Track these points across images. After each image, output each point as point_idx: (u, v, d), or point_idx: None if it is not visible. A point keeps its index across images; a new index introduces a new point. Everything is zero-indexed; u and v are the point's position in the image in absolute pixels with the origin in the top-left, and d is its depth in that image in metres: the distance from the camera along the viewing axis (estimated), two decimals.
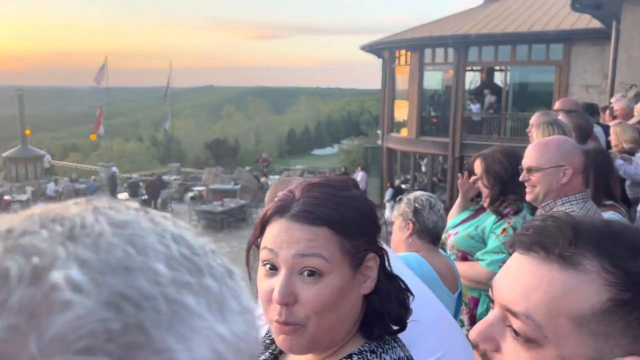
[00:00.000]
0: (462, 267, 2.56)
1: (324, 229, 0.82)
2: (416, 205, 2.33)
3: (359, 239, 0.86)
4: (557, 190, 2.08)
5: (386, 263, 0.92)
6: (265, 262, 0.86)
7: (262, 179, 28.42)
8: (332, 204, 0.83)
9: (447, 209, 2.89)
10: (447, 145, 17.74)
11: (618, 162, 3.96)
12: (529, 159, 2.14)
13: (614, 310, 0.57)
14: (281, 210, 0.85)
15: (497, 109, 17.33)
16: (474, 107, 18.03)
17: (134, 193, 21.04)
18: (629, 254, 0.59)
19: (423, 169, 20.51)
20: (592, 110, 5.76)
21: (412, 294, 0.92)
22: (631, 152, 3.91)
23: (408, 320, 0.90)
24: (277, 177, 33.30)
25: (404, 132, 19.78)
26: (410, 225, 2.29)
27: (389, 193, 19.34)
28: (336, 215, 0.83)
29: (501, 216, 2.68)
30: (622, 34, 9.77)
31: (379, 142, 22.13)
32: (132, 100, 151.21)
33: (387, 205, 19.50)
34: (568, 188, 2.08)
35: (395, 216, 2.37)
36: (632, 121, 4.57)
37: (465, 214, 2.99)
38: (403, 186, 19.83)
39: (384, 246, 0.94)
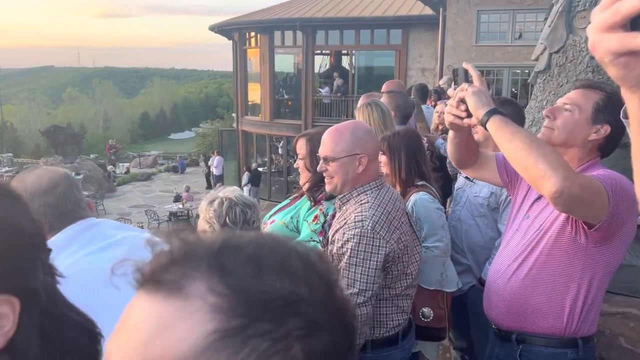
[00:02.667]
0: None
1: None
2: (227, 220, 2.11)
3: None
4: (354, 180, 2.02)
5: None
6: None
7: (110, 167, 26.54)
8: None
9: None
10: (300, 127, 17.98)
11: (439, 142, 4.15)
12: (324, 148, 2.04)
13: (219, 346, 0.44)
14: None
15: (345, 91, 17.95)
16: (324, 91, 18.48)
17: None
18: (250, 269, 0.47)
19: (280, 151, 20.61)
20: (424, 91, 6.05)
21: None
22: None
23: None
24: (126, 164, 31.40)
25: (259, 115, 19.66)
26: None
27: (245, 177, 19.18)
28: None
29: (315, 202, 2.59)
30: (448, 20, 10.58)
31: (235, 125, 21.77)
32: None
33: (245, 189, 19.37)
34: (364, 177, 2.03)
35: (202, 218, 2.14)
36: (432, 127, 4.76)
37: (284, 202, 2.89)
38: (260, 169, 19.79)
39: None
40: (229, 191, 2.21)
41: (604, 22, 0.60)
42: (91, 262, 1.39)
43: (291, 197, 2.88)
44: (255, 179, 19.05)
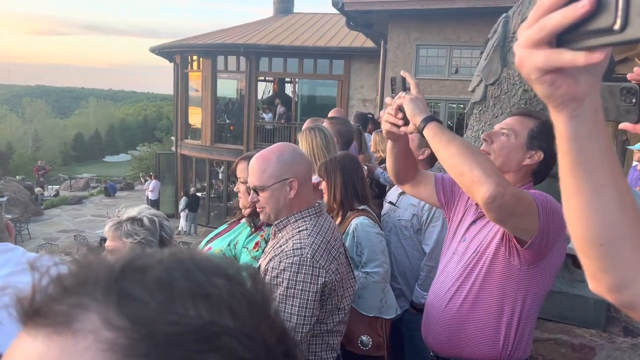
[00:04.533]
0: None
1: None
2: (164, 234, 2.09)
3: None
4: (287, 207, 1.92)
5: None
6: None
7: (37, 190, 25.15)
8: None
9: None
10: (241, 152, 17.83)
11: (378, 171, 4.21)
12: (252, 177, 1.93)
13: None
14: None
15: (288, 118, 18.03)
16: (267, 116, 18.48)
17: None
18: (157, 294, 0.38)
19: (220, 176, 20.28)
20: (365, 119, 6.19)
21: None
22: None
23: None
24: (56, 187, 29.91)
25: (198, 139, 19.34)
26: None
27: (183, 201, 18.69)
28: None
29: (255, 228, 2.50)
30: (389, 53, 10.90)
31: (173, 148, 21.27)
32: None
33: (182, 214, 18.85)
34: (298, 202, 1.94)
35: (123, 242, 2.04)
36: (372, 149, 4.86)
37: (221, 227, 2.79)
38: (199, 194, 19.35)
39: None
40: (144, 209, 2.18)
41: (530, 38, 0.59)
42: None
43: (229, 222, 2.78)
44: (193, 204, 18.59)
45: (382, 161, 4.35)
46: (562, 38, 0.56)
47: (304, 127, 3.74)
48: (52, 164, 45.68)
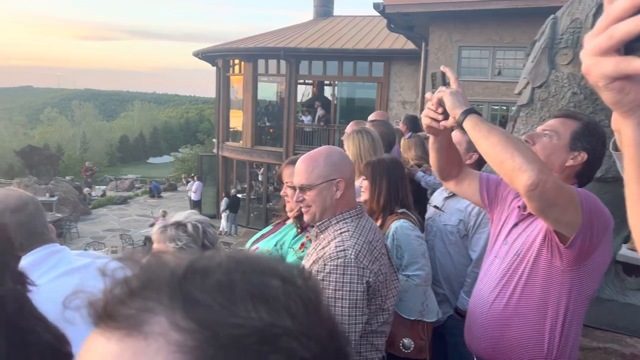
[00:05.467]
0: None
1: None
2: (206, 242, 2.08)
3: None
4: (332, 207, 1.95)
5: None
6: None
7: (86, 190, 26.03)
8: None
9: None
10: (281, 154, 18.00)
11: (419, 175, 4.18)
12: (299, 177, 1.96)
13: None
14: None
15: (327, 121, 18.10)
16: (306, 119, 18.61)
17: None
18: (219, 298, 0.40)
19: (260, 177, 20.54)
20: (415, 122, 6.04)
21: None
22: (419, 165, 4.14)
23: None
24: (103, 187, 30.89)
25: (240, 141, 19.66)
26: None
27: (224, 202, 19.00)
28: None
29: (301, 229, 2.54)
30: (430, 55, 10.80)
31: (215, 150, 21.68)
32: None
33: (223, 215, 19.17)
34: (342, 203, 1.96)
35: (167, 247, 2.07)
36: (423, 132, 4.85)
37: (266, 229, 2.84)
38: (239, 195, 19.65)
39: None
40: (191, 214, 2.18)
41: (598, 46, 0.59)
42: (54, 287, 1.35)
43: (274, 224, 2.84)
44: (234, 205, 18.89)
45: (411, 166, 4.29)
46: (630, 46, 0.57)
47: (347, 130, 3.76)
48: (99, 165, 47.27)
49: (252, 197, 20.30)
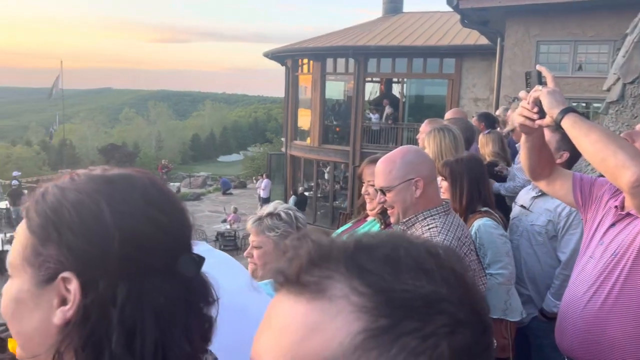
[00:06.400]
0: None
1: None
2: (299, 225, 2.16)
3: (51, 246, 0.67)
4: (414, 205, 1.99)
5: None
6: None
7: None
8: (47, 196, 0.69)
9: (348, 216, 2.75)
10: (348, 153, 18.06)
11: (495, 185, 4.06)
12: (378, 179, 2.02)
13: (369, 345, 0.44)
14: None
15: (395, 119, 17.95)
16: (374, 117, 18.53)
17: (15, 202, 19.13)
18: (387, 268, 0.47)
19: (326, 176, 20.72)
20: (490, 120, 5.87)
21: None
22: (495, 164, 4.05)
23: None
24: (177, 184, 32.24)
25: (307, 140, 19.89)
26: None
27: (292, 200, 19.32)
28: (36, 207, 0.69)
29: (385, 225, 2.59)
30: (506, 50, 10.48)
31: (283, 149, 22.08)
32: (21, 101, 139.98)
33: None
34: (425, 200, 1.99)
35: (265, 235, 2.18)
36: (505, 130, 4.74)
37: (345, 226, 2.91)
38: (306, 193, 19.92)
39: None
40: (277, 204, 2.27)
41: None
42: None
43: (353, 221, 2.91)
44: (301, 203, 19.16)
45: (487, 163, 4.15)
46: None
47: (424, 128, 3.74)
48: (173, 162, 49.26)
49: (319, 195, 20.50)
